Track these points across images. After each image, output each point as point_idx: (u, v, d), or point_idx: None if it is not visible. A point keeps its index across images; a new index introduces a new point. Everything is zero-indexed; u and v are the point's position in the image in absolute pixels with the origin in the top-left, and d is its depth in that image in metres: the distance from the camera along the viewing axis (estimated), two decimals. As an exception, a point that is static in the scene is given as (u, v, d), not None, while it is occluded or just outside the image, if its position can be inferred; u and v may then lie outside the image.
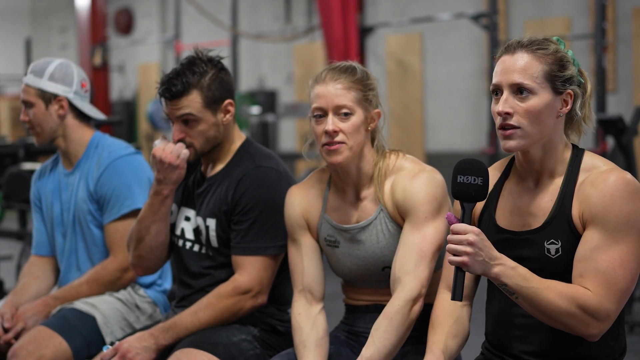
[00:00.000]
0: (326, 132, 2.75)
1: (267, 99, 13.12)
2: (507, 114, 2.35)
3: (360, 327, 2.91)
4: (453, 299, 2.29)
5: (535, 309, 2.30)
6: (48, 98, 3.55)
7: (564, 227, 2.36)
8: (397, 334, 2.67)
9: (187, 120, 3.10)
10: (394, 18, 11.77)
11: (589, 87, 2.46)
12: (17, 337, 3.38)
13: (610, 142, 7.16)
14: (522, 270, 2.29)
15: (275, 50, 13.82)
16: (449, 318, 2.53)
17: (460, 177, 2.32)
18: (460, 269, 2.28)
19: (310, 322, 2.85)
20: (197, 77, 3.09)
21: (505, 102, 2.36)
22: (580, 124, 2.48)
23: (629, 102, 9.64)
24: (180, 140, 3.12)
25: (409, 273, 2.70)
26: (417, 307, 2.70)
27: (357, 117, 2.77)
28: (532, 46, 2.38)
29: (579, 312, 2.27)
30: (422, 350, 2.79)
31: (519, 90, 2.35)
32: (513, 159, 2.53)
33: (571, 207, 2.36)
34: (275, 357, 2.88)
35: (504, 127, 2.37)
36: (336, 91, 2.76)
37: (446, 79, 11.68)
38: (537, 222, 2.41)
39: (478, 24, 9.43)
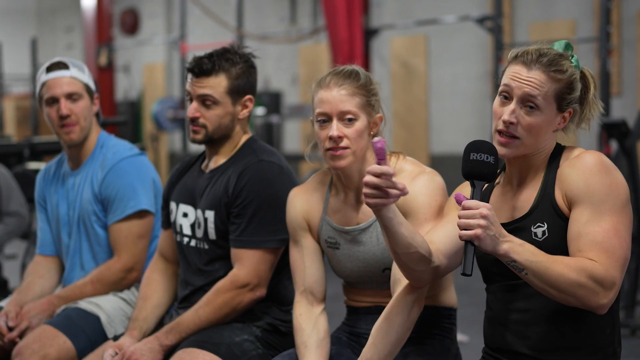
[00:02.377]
0: (330, 138, 2.76)
1: (272, 100, 13.12)
2: (512, 123, 2.42)
3: (362, 328, 2.93)
4: (463, 273, 2.30)
5: (545, 283, 2.32)
6: (91, 94, 3.59)
7: (548, 210, 2.43)
8: (398, 335, 2.68)
9: (206, 101, 3.15)
10: (399, 20, 11.77)
11: (592, 84, 2.52)
12: (21, 335, 3.39)
13: (613, 145, 7.16)
14: (530, 247, 2.32)
15: (280, 51, 13.84)
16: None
17: (474, 155, 2.36)
18: (471, 243, 2.29)
19: (311, 323, 2.86)
20: (228, 63, 3.17)
21: (512, 113, 2.42)
22: (593, 112, 2.54)
23: (633, 105, 9.64)
24: (194, 119, 3.16)
25: None
26: (417, 309, 2.71)
27: (361, 122, 2.79)
28: (551, 67, 2.43)
29: (589, 282, 2.30)
30: (423, 351, 2.81)
31: (528, 103, 2.42)
32: (504, 165, 2.60)
33: (554, 191, 2.44)
34: (276, 357, 2.89)
35: (502, 132, 2.43)
36: (340, 97, 2.77)
37: (451, 81, 11.69)
38: (523, 211, 2.48)
39: (483, 27, 9.43)
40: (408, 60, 12.14)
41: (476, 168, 2.36)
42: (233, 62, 3.17)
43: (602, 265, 2.31)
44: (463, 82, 11.51)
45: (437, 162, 11.27)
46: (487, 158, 2.36)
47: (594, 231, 2.34)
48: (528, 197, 2.49)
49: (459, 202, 2.32)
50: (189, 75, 3.19)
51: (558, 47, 2.51)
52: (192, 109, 3.17)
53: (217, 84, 3.15)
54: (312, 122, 2.86)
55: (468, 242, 2.29)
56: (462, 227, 2.28)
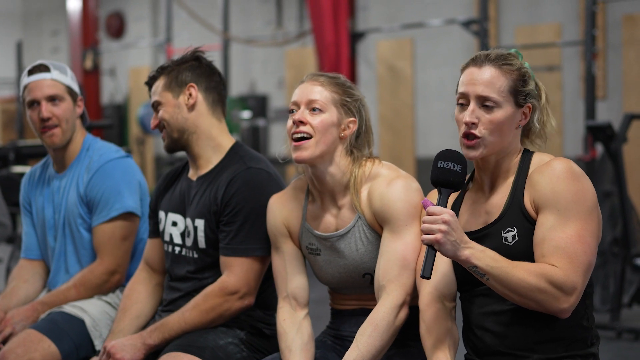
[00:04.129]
0: (294, 122, 2.79)
1: (258, 104, 13.12)
2: (473, 123, 2.48)
3: (346, 331, 2.93)
4: (422, 276, 2.39)
5: (506, 287, 2.38)
6: (74, 96, 3.58)
7: (517, 215, 2.48)
8: (382, 340, 2.69)
9: (156, 107, 3.24)
10: (385, 23, 11.78)
11: (544, 95, 2.58)
12: (4, 342, 3.38)
13: (599, 148, 7.18)
14: (491, 253, 2.40)
15: (266, 54, 13.82)
16: (444, 325, 2.59)
17: (441, 163, 2.45)
18: (432, 248, 2.38)
19: (295, 328, 2.87)
20: (166, 65, 3.26)
21: (472, 113, 2.50)
22: (542, 130, 2.61)
23: (618, 109, 9.66)
24: (158, 126, 3.25)
25: (393, 281, 2.72)
26: (403, 314, 2.72)
27: (329, 116, 2.81)
28: (499, 61, 2.51)
29: (548, 287, 2.36)
30: (407, 354, 2.82)
31: (485, 102, 2.49)
32: (473, 171, 2.65)
33: (523, 196, 2.49)
34: (262, 361, 2.90)
35: (467, 135, 2.50)
36: (312, 88, 2.83)
37: (437, 84, 11.69)
38: (494, 217, 2.53)
39: (469, 30, 9.44)
40: (394, 64, 12.14)
41: (443, 176, 2.44)
42: (172, 62, 3.26)
43: (563, 270, 2.37)
44: (449, 86, 11.51)
45: (423, 166, 11.28)
46: (454, 167, 2.43)
47: (557, 237, 2.40)
48: (498, 202, 2.54)
49: (425, 207, 2.40)
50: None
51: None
52: (152, 120, 3.28)
53: (157, 87, 3.25)
54: None
55: (429, 246, 2.37)
56: (424, 232, 2.37)
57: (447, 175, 2.43)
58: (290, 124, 2.82)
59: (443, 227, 2.34)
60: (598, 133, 6.37)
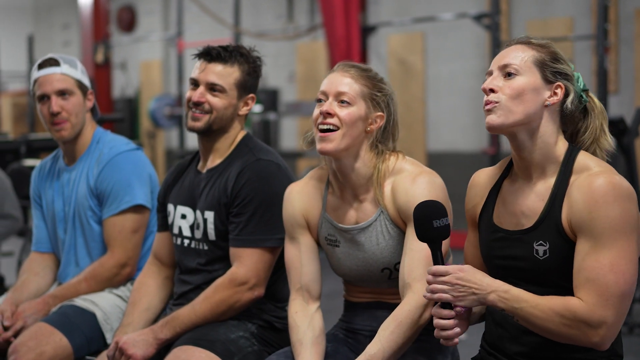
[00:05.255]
0: (321, 113, 2.76)
1: (269, 98, 13.10)
2: (492, 90, 2.41)
3: (358, 324, 2.91)
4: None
5: (534, 327, 2.34)
6: (84, 90, 3.58)
7: (552, 230, 2.38)
8: (405, 337, 2.66)
9: (215, 88, 3.16)
10: (396, 17, 11.76)
11: (598, 106, 2.51)
12: (16, 335, 3.38)
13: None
14: (515, 292, 2.33)
15: (277, 48, 13.82)
16: None
17: (437, 222, 2.38)
18: (448, 305, 2.37)
19: (307, 321, 2.85)
20: (243, 58, 3.19)
21: (492, 80, 2.42)
22: (600, 144, 2.51)
23: (630, 103, 9.63)
24: (199, 104, 3.16)
25: (419, 279, 2.68)
26: (428, 314, 2.68)
27: (357, 109, 2.78)
28: (530, 40, 2.46)
29: (574, 323, 2.29)
30: (421, 349, 2.80)
31: (508, 73, 2.41)
32: (512, 160, 2.55)
33: (561, 210, 2.38)
34: (272, 355, 2.88)
35: (486, 103, 2.42)
36: (342, 79, 2.79)
37: (448, 78, 11.67)
38: (529, 223, 2.43)
39: (480, 24, 9.43)
40: (405, 58, 12.12)
41: (430, 234, 2.39)
42: (247, 59, 3.20)
43: (588, 305, 2.28)
44: (460, 80, 11.50)
45: (434, 160, 11.26)
46: (440, 222, 2.38)
47: (589, 267, 2.29)
48: (536, 205, 2.43)
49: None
50: (200, 62, 3.19)
51: None
52: (199, 93, 3.16)
53: (229, 74, 3.17)
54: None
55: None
56: (430, 291, 2.37)
57: (433, 234, 2.39)
58: (317, 113, 2.79)
59: (446, 287, 2.34)
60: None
